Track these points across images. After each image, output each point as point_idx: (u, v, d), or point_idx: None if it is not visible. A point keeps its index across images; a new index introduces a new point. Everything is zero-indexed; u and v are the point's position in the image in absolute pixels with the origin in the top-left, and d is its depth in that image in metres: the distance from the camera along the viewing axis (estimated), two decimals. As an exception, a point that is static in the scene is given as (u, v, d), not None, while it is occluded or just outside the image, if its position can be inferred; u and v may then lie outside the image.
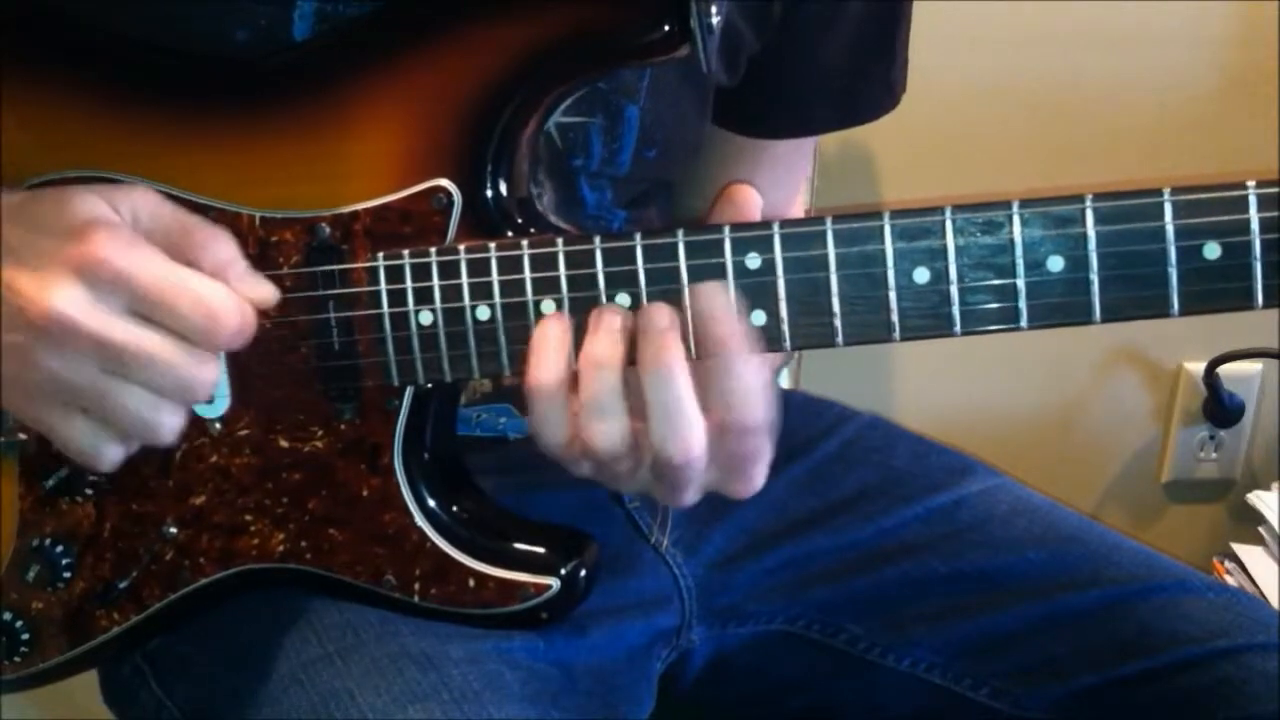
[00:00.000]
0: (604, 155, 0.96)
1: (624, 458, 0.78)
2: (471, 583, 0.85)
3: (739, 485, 0.80)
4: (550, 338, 0.78)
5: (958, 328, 0.75)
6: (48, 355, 0.76)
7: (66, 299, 0.74)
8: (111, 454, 0.80)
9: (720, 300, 0.76)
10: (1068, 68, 1.52)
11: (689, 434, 0.76)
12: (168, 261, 0.77)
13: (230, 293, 0.78)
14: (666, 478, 0.79)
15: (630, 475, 0.80)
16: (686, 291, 0.77)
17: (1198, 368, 1.61)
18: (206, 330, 0.77)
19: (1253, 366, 1.67)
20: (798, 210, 1.19)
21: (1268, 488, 1.62)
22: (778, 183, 1.12)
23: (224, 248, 0.80)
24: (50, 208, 0.77)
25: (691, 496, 0.80)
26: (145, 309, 0.76)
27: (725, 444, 0.77)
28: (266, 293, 0.82)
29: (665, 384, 0.76)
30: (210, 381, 0.79)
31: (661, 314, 0.76)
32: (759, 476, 0.80)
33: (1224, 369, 1.58)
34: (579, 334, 0.78)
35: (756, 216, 0.80)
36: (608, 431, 0.77)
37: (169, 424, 0.79)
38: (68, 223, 0.76)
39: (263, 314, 0.83)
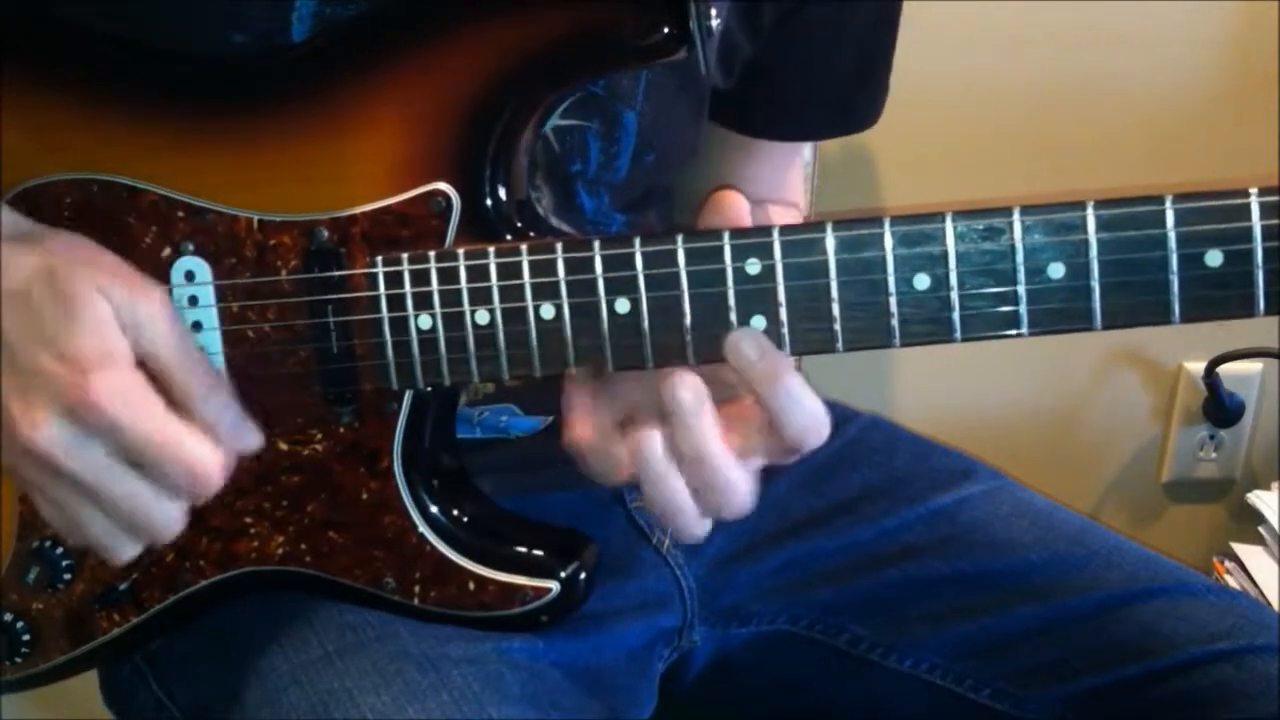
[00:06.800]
0: (601, 161, 0.96)
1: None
2: (471, 586, 0.85)
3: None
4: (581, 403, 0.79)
5: (958, 334, 0.75)
6: (30, 470, 0.77)
7: (49, 438, 0.75)
8: (79, 545, 0.82)
9: (690, 400, 0.76)
10: (1068, 69, 1.52)
11: (737, 498, 0.78)
12: (160, 414, 0.76)
13: (215, 452, 0.78)
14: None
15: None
16: (686, 297, 0.77)
17: (1198, 368, 1.61)
18: (184, 489, 0.78)
19: (1253, 366, 1.66)
20: (798, 194, 1.19)
21: (1268, 488, 1.61)
22: (775, 170, 1.13)
23: (216, 403, 0.79)
24: (59, 317, 0.75)
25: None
26: (130, 457, 0.76)
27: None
28: (252, 442, 0.82)
29: (707, 467, 0.77)
30: (174, 530, 0.80)
31: (685, 394, 0.77)
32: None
33: (1224, 369, 1.57)
34: (580, 335, 0.79)
35: (746, 222, 0.79)
36: (661, 496, 0.79)
37: (125, 555, 0.81)
38: (71, 347, 0.75)
39: (262, 317, 0.83)
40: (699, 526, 0.80)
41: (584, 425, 0.79)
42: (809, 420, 0.77)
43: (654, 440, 0.77)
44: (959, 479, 1.06)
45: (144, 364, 0.77)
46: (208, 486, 0.78)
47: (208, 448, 0.78)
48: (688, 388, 0.76)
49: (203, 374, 0.79)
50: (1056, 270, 0.74)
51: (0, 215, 0.80)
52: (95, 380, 0.74)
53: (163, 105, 0.84)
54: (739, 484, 0.78)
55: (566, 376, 0.80)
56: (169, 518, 0.79)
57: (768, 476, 0.80)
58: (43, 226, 0.82)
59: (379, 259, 0.81)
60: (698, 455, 0.77)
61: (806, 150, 1.26)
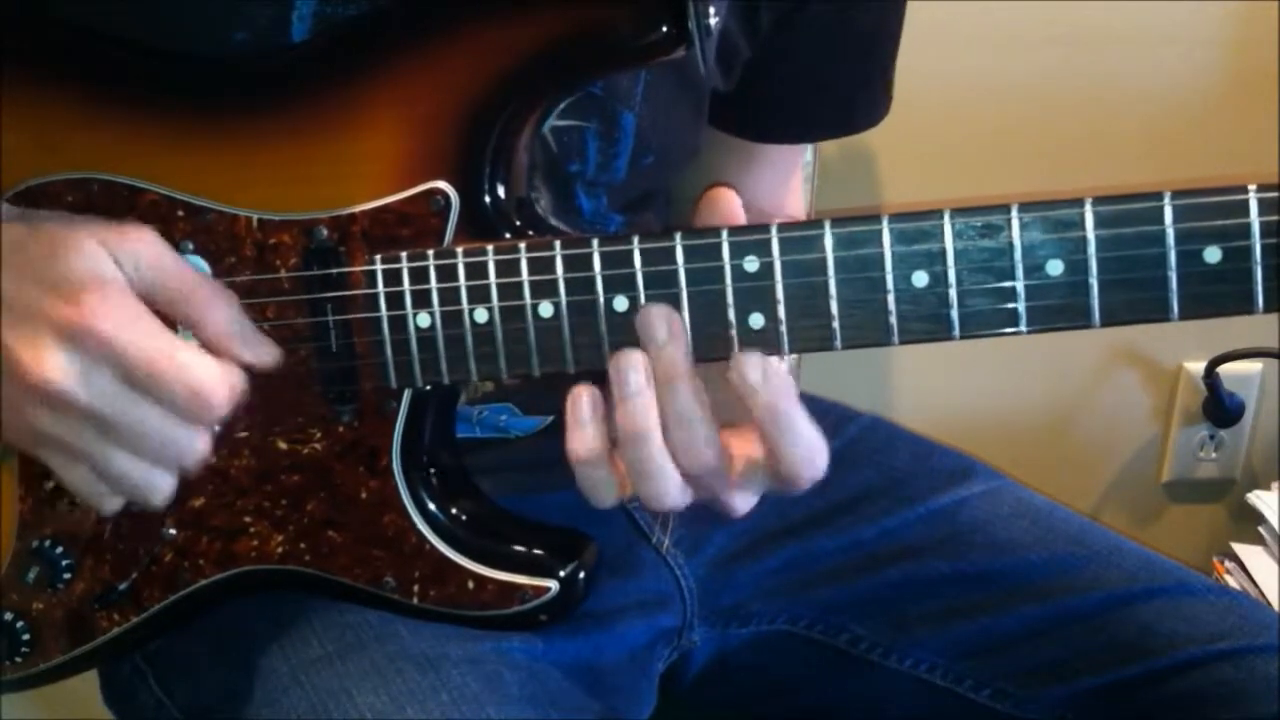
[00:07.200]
0: (600, 162, 0.96)
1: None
2: (470, 585, 0.85)
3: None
4: (583, 411, 0.78)
5: (956, 332, 0.75)
6: (42, 416, 0.77)
7: (57, 369, 0.75)
8: (110, 504, 0.82)
9: (662, 328, 0.76)
10: (1068, 68, 1.52)
11: (704, 449, 0.77)
12: (160, 332, 0.77)
13: (221, 368, 0.78)
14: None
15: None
16: (684, 295, 0.77)
17: (1198, 368, 1.61)
18: (195, 408, 0.77)
19: (1253, 366, 1.67)
20: (798, 206, 1.19)
21: (1268, 488, 1.62)
22: (775, 178, 1.13)
23: (224, 312, 0.80)
24: (49, 255, 0.76)
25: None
26: (135, 381, 0.76)
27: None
28: (269, 354, 0.82)
29: (678, 397, 0.77)
30: (201, 451, 0.79)
31: (659, 327, 0.76)
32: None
33: (1224, 369, 1.57)
34: (578, 334, 0.79)
35: (741, 218, 0.79)
36: (658, 489, 0.78)
37: (160, 488, 0.80)
38: (63, 279, 0.75)
39: (261, 315, 0.83)
40: (672, 482, 0.78)
41: (581, 439, 0.78)
42: (805, 451, 0.77)
43: (634, 358, 0.77)
44: (959, 479, 1.06)
45: (150, 301, 0.78)
46: (215, 406, 0.77)
47: (210, 366, 0.78)
48: (660, 319, 0.76)
49: (208, 293, 0.80)
50: (1055, 267, 0.74)
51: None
52: (89, 303, 0.75)
53: (163, 105, 0.84)
54: (713, 437, 0.77)
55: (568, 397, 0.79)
56: (189, 439, 0.79)
57: None
58: (31, 209, 0.82)
59: (378, 257, 0.81)
60: (668, 379, 0.76)
61: (807, 152, 1.26)
